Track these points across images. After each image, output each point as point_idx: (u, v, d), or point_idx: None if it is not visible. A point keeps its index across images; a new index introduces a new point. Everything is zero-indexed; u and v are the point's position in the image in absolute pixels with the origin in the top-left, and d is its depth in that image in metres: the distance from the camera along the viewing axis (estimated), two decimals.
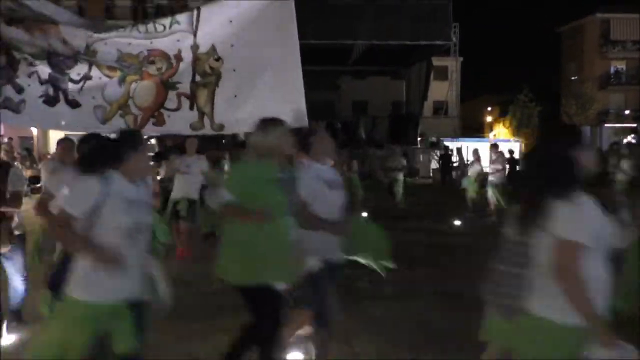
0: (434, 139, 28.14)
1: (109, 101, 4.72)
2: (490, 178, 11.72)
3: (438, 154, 25.85)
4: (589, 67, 35.93)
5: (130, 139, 2.83)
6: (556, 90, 37.77)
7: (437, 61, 28.89)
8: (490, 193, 11.57)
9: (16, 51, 4.51)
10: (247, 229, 3.02)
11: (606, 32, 36.32)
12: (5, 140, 27.66)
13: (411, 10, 24.33)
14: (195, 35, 4.69)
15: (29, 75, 4.57)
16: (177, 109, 4.77)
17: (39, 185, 13.41)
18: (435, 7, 24.98)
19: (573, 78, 35.58)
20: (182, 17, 4.69)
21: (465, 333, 3.61)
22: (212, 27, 4.68)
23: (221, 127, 4.80)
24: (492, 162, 12.00)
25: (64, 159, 4.74)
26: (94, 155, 2.88)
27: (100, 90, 4.70)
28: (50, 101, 4.63)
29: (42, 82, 4.60)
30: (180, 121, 4.81)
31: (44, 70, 4.61)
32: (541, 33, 74.30)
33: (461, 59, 31.54)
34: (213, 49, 4.71)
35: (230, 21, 4.66)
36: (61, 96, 4.66)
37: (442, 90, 31.09)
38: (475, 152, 12.96)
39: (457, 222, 10.81)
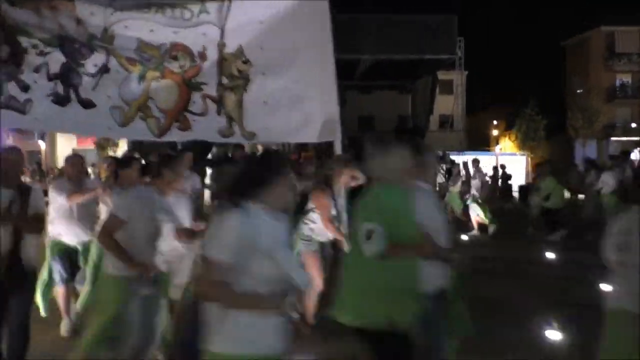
0: (440, 152, 28.11)
1: (126, 100, 4.17)
2: (473, 192, 11.71)
3: (444, 167, 25.82)
4: (594, 80, 35.88)
5: (276, 159, 2.32)
6: (562, 103, 37.73)
7: (442, 75, 28.98)
8: (472, 208, 11.59)
9: (25, 36, 3.87)
10: (374, 263, 2.63)
11: (611, 44, 36.33)
12: None
13: (416, 25, 24.44)
14: (222, 30, 4.25)
15: (36, 70, 3.95)
16: (203, 114, 4.34)
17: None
18: (441, 22, 25.11)
19: (579, 91, 35.56)
20: (212, 6, 4.22)
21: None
22: (241, 25, 4.27)
23: (252, 135, 4.38)
24: (472, 177, 12.16)
25: (75, 176, 4.70)
26: (241, 182, 2.24)
27: (117, 86, 4.15)
28: (61, 101, 4.04)
29: (50, 78, 4.00)
30: (207, 127, 4.37)
31: (57, 59, 4.00)
32: (546, 46, 74.59)
33: (466, 72, 31.61)
34: (240, 50, 4.33)
35: (261, 22, 4.27)
36: (72, 95, 4.05)
37: (447, 104, 31.14)
38: (475, 162, 13.04)
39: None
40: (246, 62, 4.35)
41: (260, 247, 2.10)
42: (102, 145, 26.11)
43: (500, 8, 62.69)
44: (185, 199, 3.96)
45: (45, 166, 23.62)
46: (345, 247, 4.11)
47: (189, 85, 4.31)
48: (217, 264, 2.08)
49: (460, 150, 27.74)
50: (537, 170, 12.43)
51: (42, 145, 26.90)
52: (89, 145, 25.90)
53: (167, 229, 3.55)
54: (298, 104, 4.33)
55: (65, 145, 26.12)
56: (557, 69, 42.08)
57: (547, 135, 34.88)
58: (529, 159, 29.16)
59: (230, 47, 4.31)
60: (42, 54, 3.96)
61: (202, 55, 4.29)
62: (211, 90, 4.35)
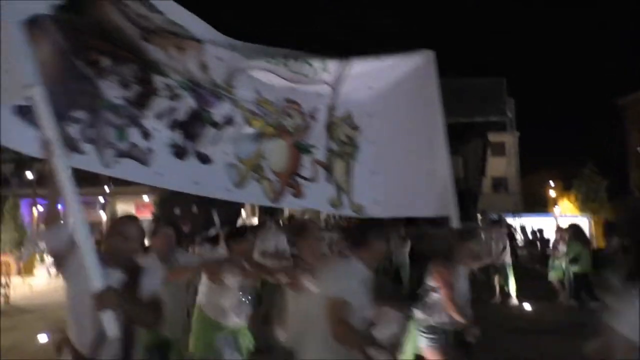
0: (495, 216, 27.37)
1: (240, 158, 3.73)
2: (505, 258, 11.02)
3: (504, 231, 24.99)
4: None
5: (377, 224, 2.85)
6: (622, 163, 36.34)
7: (493, 137, 28.66)
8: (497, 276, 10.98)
9: (159, 75, 3.36)
10: None
11: None
12: None
13: (465, 89, 24.57)
14: (335, 91, 3.97)
15: (159, 116, 3.40)
16: (313, 179, 3.96)
17: None
18: (489, 84, 25.15)
19: (639, 148, 34.21)
20: (333, 66, 3.88)
21: None
22: (352, 89, 3.99)
23: (360, 208, 4.03)
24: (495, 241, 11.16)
25: (167, 251, 4.19)
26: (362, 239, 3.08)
27: (233, 142, 3.69)
28: (180, 152, 3.50)
29: (172, 126, 3.47)
30: (318, 195, 3.98)
31: (187, 104, 3.50)
32: (599, 105, 73.05)
33: (518, 133, 31.16)
34: (349, 115, 4.05)
35: (370, 88, 4.05)
36: (190, 147, 3.54)
37: (500, 166, 30.62)
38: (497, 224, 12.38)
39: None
40: (355, 128, 4.12)
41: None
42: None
43: (551, 68, 62.39)
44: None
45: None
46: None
47: (299, 148, 3.95)
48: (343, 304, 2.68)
49: (517, 212, 26.91)
50: (560, 234, 11.90)
51: (104, 216, 27.94)
52: (146, 215, 26.74)
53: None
54: (408, 175, 4.05)
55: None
56: (614, 127, 40.94)
57: (609, 196, 33.47)
58: (592, 221, 27.89)
59: (340, 111, 4.04)
60: (174, 97, 3.44)
61: (313, 116, 3.96)
62: (320, 155, 4.02)
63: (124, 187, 38.62)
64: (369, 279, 3.06)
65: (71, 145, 2.93)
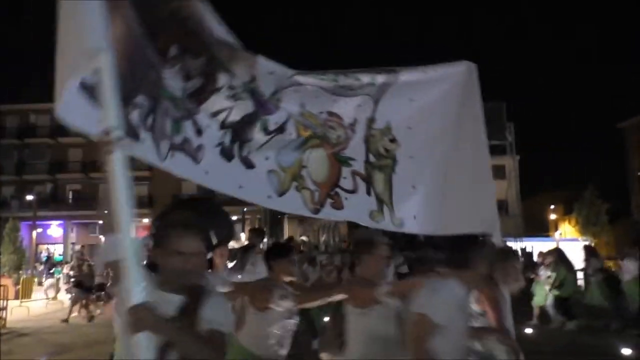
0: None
1: (282, 166, 3.64)
2: None
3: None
4: None
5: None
6: (624, 186, 36.32)
7: (494, 160, 28.67)
8: None
9: (226, 74, 3.31)
10: None
11: None
12: (78, 248, 28.87)
13: None
14: (376, 104, 3.88)
15: (214, 114, 3.29)
16: (353, 191, 3.87)
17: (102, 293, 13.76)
18: (489, 108, 25.15)
19: None
20: (380, 79, 3.80)
21: None
22: (392, 101, 3.91)
23: (401, 223, 3.90)
24: None
25: (224, 269, 3.97)
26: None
27: (277, 149, 3.61)
28: (227, 154, 3.38)
29: (222, 126, 3.36)
30: (358, 207, 3.86)
31: (245, 107, 3.42)
32: (600, 128, 73.34)
33: (518, 157, 31.22)
34: (388, 127, 3.94)
35: (411, 100, 3.95)
36: (236, 150, 3.43)
37: (501, 189, 30.57)
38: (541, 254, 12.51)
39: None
40: (393, 140, 3.96)
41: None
42: None
43: (552, 91, 62.95)
44: None
45: None
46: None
47: (338, 160, 3.84)
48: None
49: (518, 236, 26.81)
50: (542, 258, 11.87)
51: (103, 239, 27.80)
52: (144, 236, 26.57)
53: None
54: (448, 192, 3.89)
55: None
56: (614, 151, 41.05)
57: (610, 219, 33.37)
58: (593, 244, 27.78)
59: (379, 123, 3.91)
60: (233, 97, 3.32)
61: (352, 128, 3.86)
62: (359, 167, 3.88)
63: None
64: (467, 304, 2.87)
65: (131, 131, 2.74)
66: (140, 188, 40.79)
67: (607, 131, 52.27)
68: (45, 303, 16.56)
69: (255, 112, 3.44)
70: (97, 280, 13.74)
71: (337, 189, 3.79)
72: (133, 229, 2.11)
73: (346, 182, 3.80)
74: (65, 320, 12.42)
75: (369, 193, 3.86)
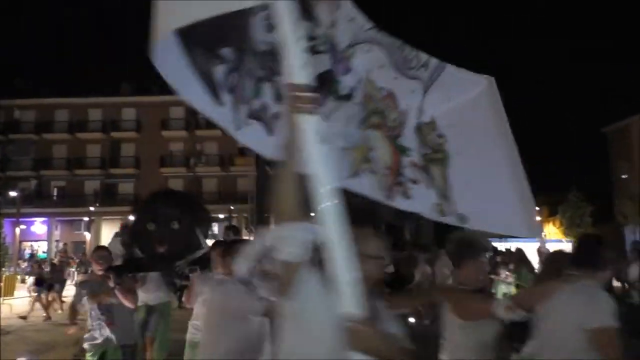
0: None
1: (350, 142, 3.29)
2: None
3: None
4: None
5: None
6: (608, 189, 36.80)
7: None
8: None
9: (309, 23, 2.77)
10: None
11: None
12: (61, 245, 28.57)
13: None
14: (425, 92, 3.53)
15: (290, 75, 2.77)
16: (416, 182, 3.54)
17: None
18: None
19: (624, 176, 34.69)
20: (433, 62, 3.45)
21: None
22: (436, 94, 3.62)
23: (464, 219, 3.60)
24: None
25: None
26: None
27: (343, 123, 3.21)
28: None
29: None
30: (423, 199, 3.53)
31: (321, 62, 2.98)
32: (585, 133, 74.28)
33: None
34: (434, 122, 3.64)
35: (449, 98, 3.71)
36: None
37: None
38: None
39: None
40: (441, 136, 3.65)
41: None
42: None
43: (537, 95, 63.56)
44: None
45: (90, 257, 24.07)
46: None
47: (396, 147, 3.48)
48: None
49: (502, 237, 27.03)
50: (501, 258, 11.76)
51: (87, 236, 27.62)
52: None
53: None
54: (497, 192, 3.67)
55: (109, 236, 26.72)
56: (598, 155, 41.55)
57: (594, 221, 33.79)
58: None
59: (426, 117, 3.58)
60: (312, 50, 2.75)
61: (404, 114, 3.48)
62: (416, 158, 3.50)
63: (109, 207, 38.35)
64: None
65: (213, 92, 2.49)
66: (125, 185, 40.55)
67: (592, 135, 52.97)
68: (28, 301, 16.37)
69: (330, 71, 3.01)
70: (83, 277, 13.59)
71: (401, 178, 3.48)
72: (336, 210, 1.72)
73: (409, 172, 3.48)
74: (24, 317, 12.75)
75: (430, 186, 3.57)
